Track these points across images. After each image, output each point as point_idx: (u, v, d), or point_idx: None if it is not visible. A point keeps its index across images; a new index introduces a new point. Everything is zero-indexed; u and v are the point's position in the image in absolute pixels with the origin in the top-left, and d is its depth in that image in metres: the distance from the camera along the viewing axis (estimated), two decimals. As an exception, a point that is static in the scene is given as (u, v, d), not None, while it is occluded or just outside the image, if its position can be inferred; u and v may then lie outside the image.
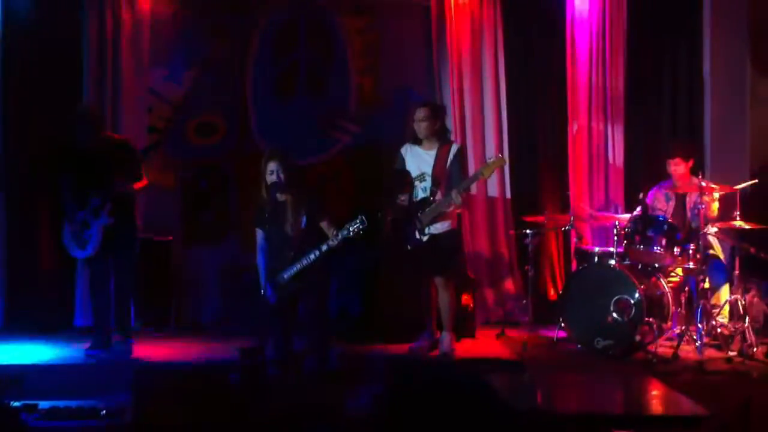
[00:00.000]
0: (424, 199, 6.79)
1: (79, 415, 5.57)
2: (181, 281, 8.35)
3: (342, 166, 8.69)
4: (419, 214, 6.73)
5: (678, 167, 7.39)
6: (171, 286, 8.17)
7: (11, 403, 5.44)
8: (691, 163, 7.42)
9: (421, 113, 6.82)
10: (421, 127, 6.81)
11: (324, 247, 5.76)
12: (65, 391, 6.01)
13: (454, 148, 6.81)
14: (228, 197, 8.63)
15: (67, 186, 6.86)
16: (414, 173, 6.86)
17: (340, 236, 5.70)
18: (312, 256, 5.77)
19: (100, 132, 6.91)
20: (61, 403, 5.69)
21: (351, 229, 5.71)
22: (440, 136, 6.87)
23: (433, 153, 6.81)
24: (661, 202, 7.52)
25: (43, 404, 5.66)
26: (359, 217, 5.75)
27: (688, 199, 7.34)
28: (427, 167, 6.81)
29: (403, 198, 6.91)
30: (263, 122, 8.65)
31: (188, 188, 8.64)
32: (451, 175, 6.75)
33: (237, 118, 8.64)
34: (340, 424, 4.19)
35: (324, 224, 5.91)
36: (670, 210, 7.42)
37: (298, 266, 5.83)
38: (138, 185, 6.92)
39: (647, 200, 7.45)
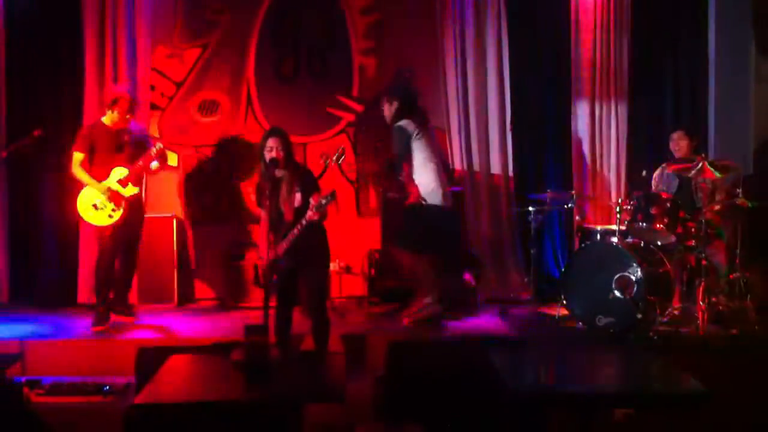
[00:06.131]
0: None
1: (82, 390, 5.61)
2: (183, 258, 8.37)
3: (344, 145, 8.69)
4: None
5: (681, 141, 7.38)
6: (174, 263, 8.18)
7: (15, 378, 5.47)
8: (695, 142, 7.43)
9: None
10: None
11: (304, 222, 5.72)
12: (69, 367, 6.05)
13: None
14: (230, 175, 8.62)
15: (95, 162, 6.94)
16: None
17: (315, 209, 5.65)
18: (296, 231, 5.75)
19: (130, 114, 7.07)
20: (64, 379, 5.73)
21: (323, 202, 5.65)
22: (396, 120, 7.10)
23: None
24: (665, 180, 7.51)
25: (47, 380, 5.69)
26: (332, 191, 5.72)
27: (693, 179, 7.31)
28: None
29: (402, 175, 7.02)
30: (265, 101, 8.64)
31: (190, 165, 8.63)
32: None
33: (239, 97, 8.63)
34: (341, 405, 4.19)
35: (312, 200, 5.84)
36: (674, 189, 7.41)
37: (288, 242, 5.80)
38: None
39: (653, 178, 7.47)
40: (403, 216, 7.15)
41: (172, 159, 8.47)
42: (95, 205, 6.89)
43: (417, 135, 6.97)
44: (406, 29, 8.69)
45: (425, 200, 6.96)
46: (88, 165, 6.94)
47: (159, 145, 6.97)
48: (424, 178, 6.97)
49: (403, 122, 7.02)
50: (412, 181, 7.01)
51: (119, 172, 6.91)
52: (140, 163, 6.93)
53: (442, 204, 7.03)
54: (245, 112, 8.65)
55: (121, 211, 6.90)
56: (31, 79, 8.24)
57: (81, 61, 8.13)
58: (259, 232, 6.14)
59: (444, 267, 7.18)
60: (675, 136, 7.54)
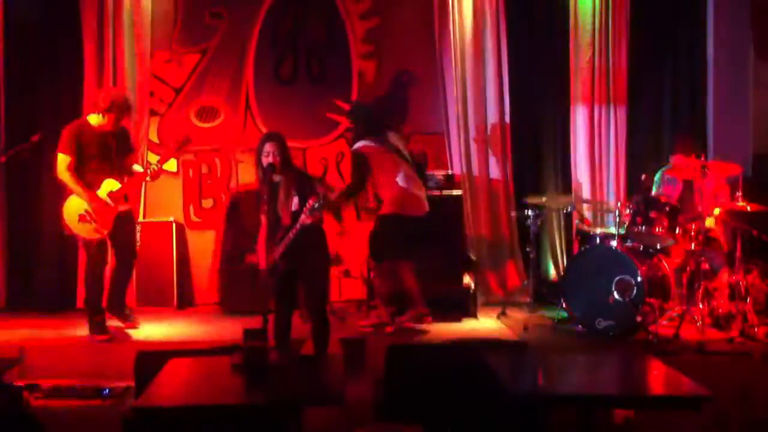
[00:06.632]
0: None
1: (81, 394, 5.59)
2: (183, 262, 8.37)
3: (343, 149, 8.68)
4: None
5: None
6: (173, 267, 8.18)
7: (14, 382, 5.45)
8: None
9: None
10: None
11: (298, 225, 5.73)
12: (68, 371, 6.04)
13: None
14: (229, 180, 8.62)
15: (84, 168, 6.77)
16: None
17: (308, 213, 5.66)
18: (291, 235, 5.75)
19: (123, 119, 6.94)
20: (63, 383, 5.71)
21: (315, 205, 5.66)
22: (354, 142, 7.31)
23: None
24: (666, 185, 7.51)
25: (46, 383, 5.68)
26: (322, 194, 5.74)
27: (695, 182, 7.31)
28: None
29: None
30: (264, 105, 8.64)
31: (190, 171, 8.63)
32: None
33: (238, 102, 8.63)
34: (340, 409, 4.19)
35: (308, 204, 5.81)
36: (677, 194, 7.41)
37: (284, 246, 5.79)
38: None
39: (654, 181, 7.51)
40: (376, 227, 7.23)
41: (172, 165, 8.46)
42: (82, 216, 6.69)
43: (376, 154, 7.07)
44: (405, 34, 8.69)
45: (397, 209, 7.06)
46: (74, 170, 6.70)
47: (155, 166, 6.89)
48: (392, 189, 7.06)
49: (359, 145, 7.16)
50: (380, 193, 7.20)
51: (110, 184, 6.75)
52: (136, 179, 6.90)
53: (411, 213, 7.11)
54: (244, 117, 8.64)
55: (113, 224, 6.76)
56: (30, 83, 8.24)
57: (80, 65, 8.13)
58: (259, 237, 6.14)
59: (424, 271, 7.24)
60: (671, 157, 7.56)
